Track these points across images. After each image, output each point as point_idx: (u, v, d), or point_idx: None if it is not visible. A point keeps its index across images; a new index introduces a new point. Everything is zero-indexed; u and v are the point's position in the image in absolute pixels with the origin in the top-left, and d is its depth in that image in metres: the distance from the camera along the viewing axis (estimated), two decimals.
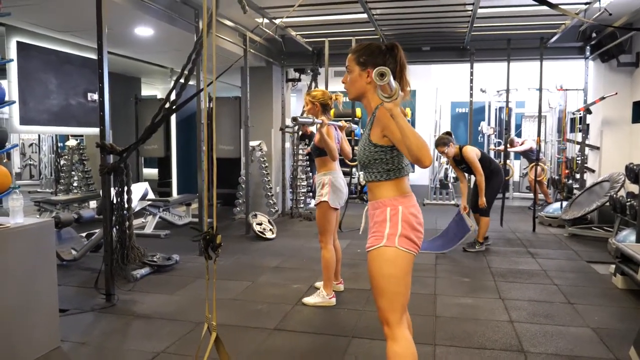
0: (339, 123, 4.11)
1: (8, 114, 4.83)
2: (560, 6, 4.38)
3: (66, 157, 8.31)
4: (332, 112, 4.29)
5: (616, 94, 6.86)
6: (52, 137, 10.63)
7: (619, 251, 4.40)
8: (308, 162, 8.37)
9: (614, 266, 4.56)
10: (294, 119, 3.69)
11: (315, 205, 3.95)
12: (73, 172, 8.14)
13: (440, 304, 3.95)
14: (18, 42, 5.06)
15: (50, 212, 6.47)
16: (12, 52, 4.99)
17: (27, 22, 5.17)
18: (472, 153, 5.58)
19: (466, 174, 5.89)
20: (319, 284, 4.24)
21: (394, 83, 1.75)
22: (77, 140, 8.79)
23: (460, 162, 5.73)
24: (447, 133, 5.86)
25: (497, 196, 6.11)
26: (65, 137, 10.04)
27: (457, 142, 11.18)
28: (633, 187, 6.06)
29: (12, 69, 4.96)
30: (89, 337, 3.26)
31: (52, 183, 9.98)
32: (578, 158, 7.98)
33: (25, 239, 2.81)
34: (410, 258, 2.06)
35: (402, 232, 2.02)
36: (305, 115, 4.05)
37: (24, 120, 5.09)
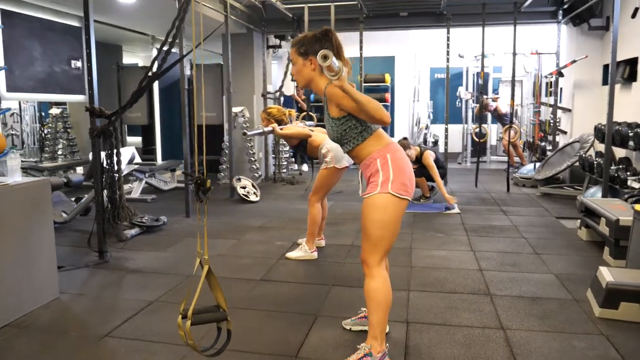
0: (289, 126, 4.40)
1: None
2: None
3: (50, 125, 8.35)
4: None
5: (586, 57, 7.09)
6: (34, 106, 10.60)
7: (584, 205, 4.69)
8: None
9: (580, 220, 4.87)
10: (244, 134, 4.02)
11: (323, 169, 4.14)
12: (58, 140, 8.21)
13: (415, 256, 4.22)
14: (2, 10, 5.08)
15: None
16: None
17: None
18: (431, 159, 6.15)
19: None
20: (301, 240, 4.48)
21: (336, 62, 1.96)
22: (59, 108, 8.82)
23: (415, 162, 6.19)
24: (404, 139, 6.47)
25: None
26: (47, 106, 10.04)
27: (435, 108, 11.44)
28: (602, 147, 6.34)
29: None
30: (86, 289, 3.47)
31: (36, 152, 10.01)
32: (551, 120, 8.26)
33: (24, 196, 2.98)
34: (402, 205, 2.29)
35: (394, 178, 2.26)
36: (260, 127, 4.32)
37: (10, 88, 5.16)
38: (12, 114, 10.51)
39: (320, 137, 4.16)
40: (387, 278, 2.35)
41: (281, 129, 4.16)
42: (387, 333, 2.65)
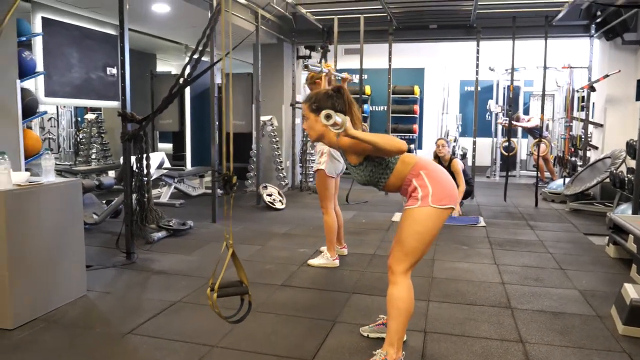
0: (343, 75, 4.41)
1: (34, 86, 5.10)
2: None
3: (85, 130, 8.63)
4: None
5: (619, 71, 6.98)
6: (71, 111, 10.97)
7: (612, 222, 4.60)
8: None
9: (608, 237, 4.76)
10: (305, 66, 4.16)
11: (313, 172, 4.23)
12: (92, 145, 8.47)
13: (437, 267, 4.20)
14: (43, 18, 5.31)
15: None
16: (37, 27, 5.24)
17: None
18: (459, 166, 6.31)
19: None
20: (323, 248, 4.51)
21: (339, 118, 2.10)
22: (95, 114, 9.11)
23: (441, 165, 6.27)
24: (442, 138, 6.71)
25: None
26: (83, 111, 10.39)
27: (465, 121, 11.37)
28: (633, 163, 6.21)
29: (37, 43, 5.22)
30: (112, 288, 3.59)
31: (71, 155, 10.33)
32: (582, 135, 8.13)
33: (56, 195, 3.11)
34: (444, 215, 2.33)
35: (433, 191, 2.30)
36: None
37: (48, 93, 5.38)
38: (50, 119, 10.90)
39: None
40: (411, 287, 2.38)
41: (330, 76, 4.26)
42: (405, 341, 2.66)
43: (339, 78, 4.45)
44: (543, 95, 7.15)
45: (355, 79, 5.63)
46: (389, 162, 2.38)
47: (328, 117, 2.08)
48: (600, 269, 4.21)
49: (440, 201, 2.29)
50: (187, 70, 3.81)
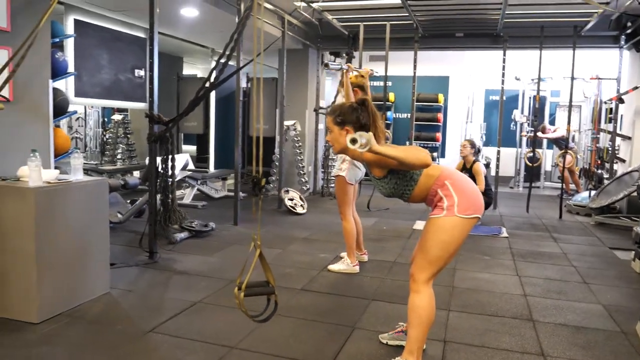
0: (363, 70, 4.46)
1: (65, 86, 5.23)
2: None
3: (112, 130, 8.78)
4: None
5: None
6: (98, 112, 11.17)
7: (639, 236, 4.52)
8: None
9: (634, 252, 4.66)
10: (326, 64, 4.00)
11: (333, 176, 4.24)
12: (118, 145, 8.62)
13: (458, 277, 4.17)
14: (75, 20, 5.46)
15: None
16: (70, 29, 5.38)
17: (84, 1, 5.57)
18: (482, 168, 6.35)
19: None
20: (344, 253, 4.51)
21: (363, 139, 2.06)
22: (121, 115, 9.27)
23: (463, 169, 6.42)
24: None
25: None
26: (110, 112, 10.57)
27: (489, 130, 11.27)
28: None
29: (69, 44, 5.36)
30: (135, 286, 3.64)
31: (97, 155, 10.51)
32: (609, 148, 7.99)
33: (84, 194, 3.18)
34: (470, 225, 2.32)
35: (459, 200, 2.29)
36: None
37: (78, 93, 5.52)
38: (78, 119, 11.11)
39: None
40: (432, 296, 2.37)
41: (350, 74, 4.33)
42: (424, 350, 2.64)
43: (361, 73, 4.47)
44: (570, 106, 7.05)
45: (377, 74, 5.64)
46: (413, 174, 2.37)
47: (354, 141, 2.05)
48: (625, 284, 4.13)
49: (465, 211, 2.28)
50: (214, 74, 3.87)
